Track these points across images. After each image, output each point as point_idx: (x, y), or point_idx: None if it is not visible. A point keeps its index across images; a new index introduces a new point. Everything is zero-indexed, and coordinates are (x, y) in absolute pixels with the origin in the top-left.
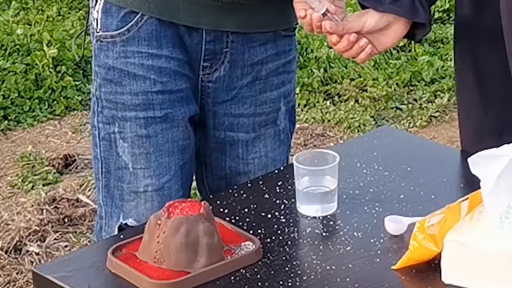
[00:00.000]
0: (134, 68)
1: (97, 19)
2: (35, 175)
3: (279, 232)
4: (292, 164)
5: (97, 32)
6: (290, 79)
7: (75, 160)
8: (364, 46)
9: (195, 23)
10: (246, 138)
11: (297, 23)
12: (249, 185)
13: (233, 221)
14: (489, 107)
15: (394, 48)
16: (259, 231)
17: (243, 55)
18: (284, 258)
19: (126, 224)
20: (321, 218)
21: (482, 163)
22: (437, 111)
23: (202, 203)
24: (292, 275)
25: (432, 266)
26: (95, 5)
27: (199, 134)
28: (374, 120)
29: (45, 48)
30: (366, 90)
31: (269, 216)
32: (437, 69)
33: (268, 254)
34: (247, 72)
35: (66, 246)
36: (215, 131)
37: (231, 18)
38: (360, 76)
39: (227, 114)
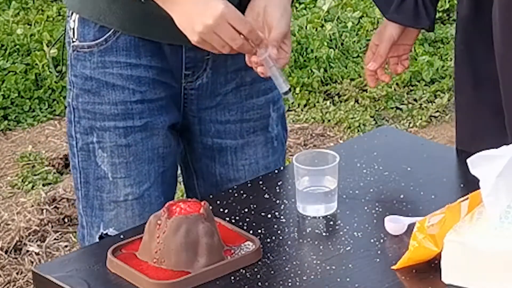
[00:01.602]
0: (112, 78)
1: (73, 29)
2: (35, 175)
3: (279, 232)
4: (292, 164)
5: (73, 42)
6: None
7: None
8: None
9: (170, 40)
10: (234, 145)
11: None
12: (249, 185)
13: (233, 221)
14: (484, 109)
15: None
16: (259, 231)
17: (225, 62)
18: (284, 258)
19: (106, 234)
20: (321, 218)
21: (481, 164)
22: (437, 111)
23: (202, 203)
24: (292, 275)
25: (432, 266)
26: (72, 14)
27: (185, 141)
28: (374, 120)
29: (45, 48)
30: (366, 90)
31: (269, 216)
32: (437, 69)
33: (268, 254)
34: (231, 78)
35: (66, 246)
36: (202, 137)
37: None
38: (360, 76)
39: (213, 121)
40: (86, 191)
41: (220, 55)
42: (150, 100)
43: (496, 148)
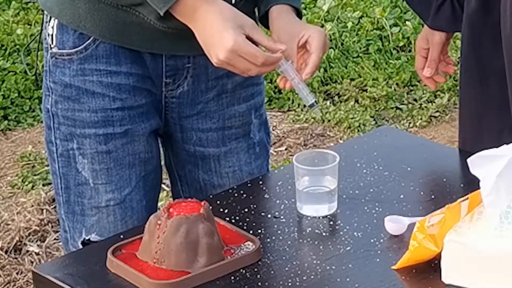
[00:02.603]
0: (92, 86)
1: (52, 35)
2: (35, 175)
3: (279, 232)
4: (292, 164)
5: (51, 48)
6: (259, 91)
7: None
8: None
9: (148, 48)
10: (217, 153)
11: None
12: (249, 185)
13: (233, 221)
14: (490, 106)
15: (394, 48)
16: (259, 231)
17: (206, 69)
18: (284, 258)
19: (89, 239)
20: (321, 218)
21: (481, 163)
22: (437, 111)
23: (202, 203)
24: (292, 275)
25: (432, 266)
26: (50, 20)
27: (168, 147)
28: (374, 120)
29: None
30: (366, 90)
31: (269, 216)
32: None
33: (268, 254)
34: (212, 86)
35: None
36: (184, 145)
37: (187, 42)
38: (360, 76)
39: (194, 129)
40: (67, 196)
41: (200, 63)
42: (130, 107)
43: (501, 141)
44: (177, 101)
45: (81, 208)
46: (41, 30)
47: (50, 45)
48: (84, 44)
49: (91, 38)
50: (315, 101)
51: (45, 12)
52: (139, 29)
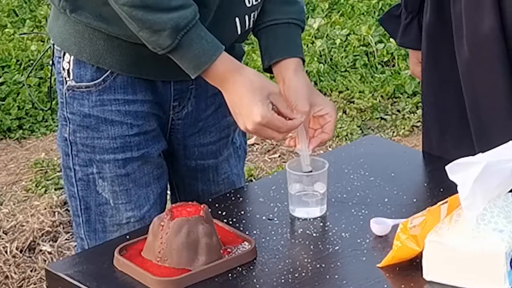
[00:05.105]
0: (111, 115)
1: (68, 70)
2: (48, 180)
3: (273, 233)
4: (285, 170)
5: (67, 81)
6: None
7: None
8: None
9: (164, 77)
10: (216, 163)
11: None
12: (245, 189)
13: (230, 222)
14: (450, 115)
15: (379, 63)
16: (255, 232)
17: (206, 87)
18: (277, 257)
19: None
20: (311, 220)
21: (459, 170)
22: (418, 121)
23: (202, 206)
24: (284, 272)
25: (414, 264)
26: (63, 56)
27: (169, 163)
28: (361, 129)
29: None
30: (353, 102)
31: (264, 218)
32: (419, 82)
33: (263, 253)
34: (211, 102)
35: (76, 246)
36: (186, 161)
37: None
38: (348, 89)
39: (196, 145)
40: (87, 216)
41: (201, 83)
42: (145, 132)
43: (462, 145)
44: (182, 122)
45: (103, 225)
46: (52, 64)
47: (66, 79)
48: (103, 77)
49: (109, 71)
50: (310, 171)
51: (58, 48)
52: (153, 60)
